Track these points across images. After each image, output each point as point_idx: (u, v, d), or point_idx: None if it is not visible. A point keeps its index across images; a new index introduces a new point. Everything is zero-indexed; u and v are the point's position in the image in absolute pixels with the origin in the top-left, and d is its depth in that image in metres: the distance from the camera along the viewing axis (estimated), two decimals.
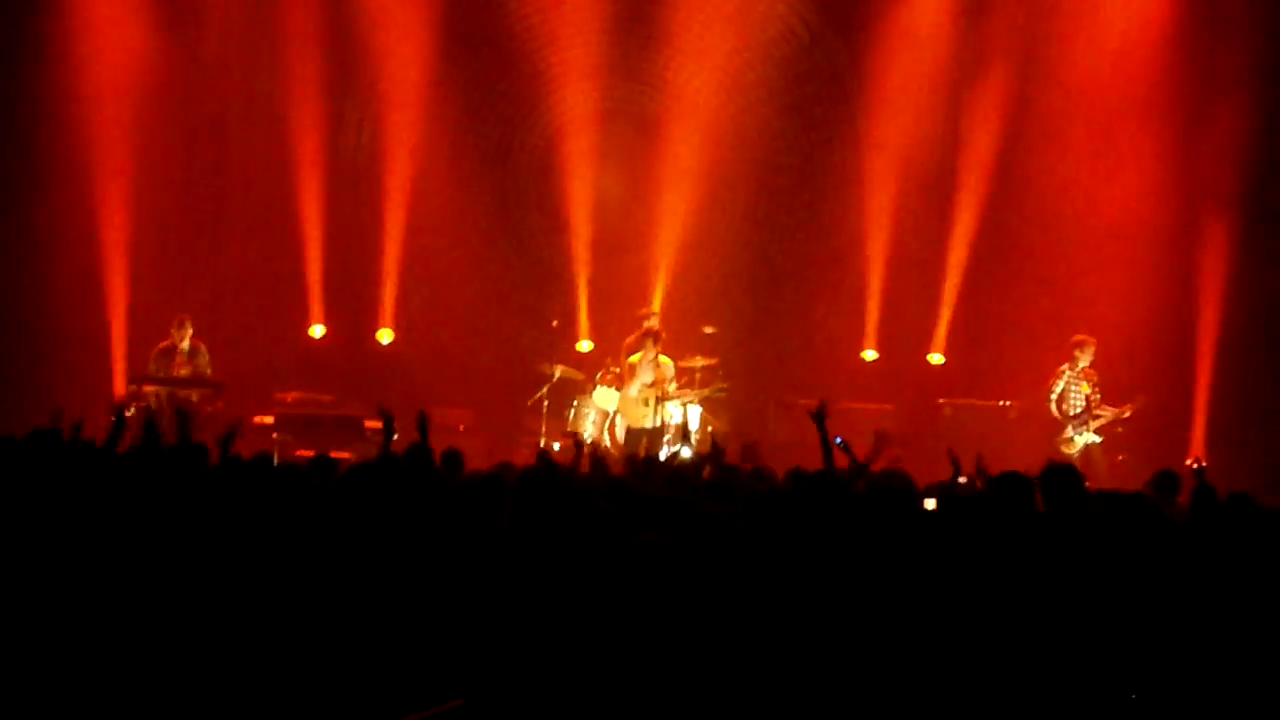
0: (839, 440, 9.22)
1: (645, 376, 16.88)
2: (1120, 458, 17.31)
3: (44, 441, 7.70)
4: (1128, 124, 19.10)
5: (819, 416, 9.17)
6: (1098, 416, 16.78)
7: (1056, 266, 19.36)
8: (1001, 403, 18.85)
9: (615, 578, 6.21)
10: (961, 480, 9.24)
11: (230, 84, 20.00)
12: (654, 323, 17.24)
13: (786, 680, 5.59)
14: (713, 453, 10.14)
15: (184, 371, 17.15)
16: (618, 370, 17.52)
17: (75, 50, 18.69)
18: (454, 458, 9.72)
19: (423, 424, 9.25)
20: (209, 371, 17.20)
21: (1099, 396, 16.89)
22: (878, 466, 8.98)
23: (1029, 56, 19.67)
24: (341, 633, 5.95)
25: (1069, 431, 16.85)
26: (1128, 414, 16.80)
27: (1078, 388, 16.92)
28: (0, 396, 16.90)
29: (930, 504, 7.64)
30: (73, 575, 6.10)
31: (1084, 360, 16.93)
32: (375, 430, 16.97)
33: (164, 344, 17.27)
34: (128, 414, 15.64)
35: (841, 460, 8.97)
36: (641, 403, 16.89)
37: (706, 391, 17.62)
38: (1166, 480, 9.73)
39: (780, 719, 5.51)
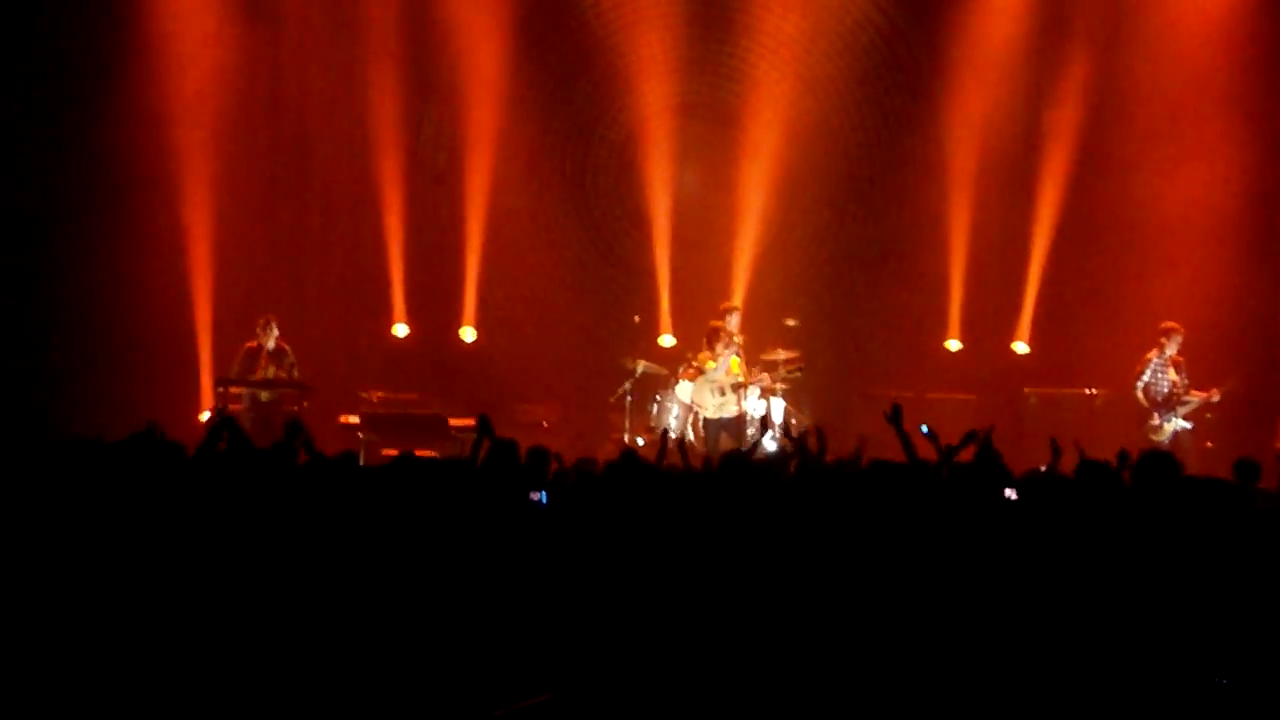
0: (924, 429, 9.18)
1: (719, 367, 16.88)
2: (1209, 444, 17.15)
3: (139, 445, 7.75)
4: (1213, 109, 18.88)
5: (894, 418, 9.14)
6: (1186, 402, 16.64)
7: (1142, 253, 19.16)
8: (1088, 391, 18.70)
9: (701, 571, 6.22)
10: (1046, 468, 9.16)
11: (312, 87, 20.10)
12: (729, 319, 17.20)
13: (873, 666, 5.59)
14: (797, 444, 10.10)
15: (269, 373, 17.29)
16: (698, 365, 17.51)
17: (160, 59, 18.91)
18: (541, 455, 9.70)
19: (486, 425, 9.23)
20: (295, 373, 17.32)
21: (1187, 383, 16.76)
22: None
23: (1110, 41, 19.48)
24: (430, 627, 5.99)
25: (1157, 419, 16.72)
26: (1216, 398, 16.67)
27: (1165, 375, 16.79)
28: (90, 400, 17.08)
29: (1010, 494, 7.58)
30: (164, 575, 6.17)
31: (1171, 348, 16.79)
32: (460, 429, 17.06)
33: (249, 345, 17.41)
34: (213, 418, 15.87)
35: (929, 451, 8.92)
36: (716, 392, 16.87)
37: (783, 373, 17.55)
38: (1247, 466, 9.66)
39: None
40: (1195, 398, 16.66)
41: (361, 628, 5.95)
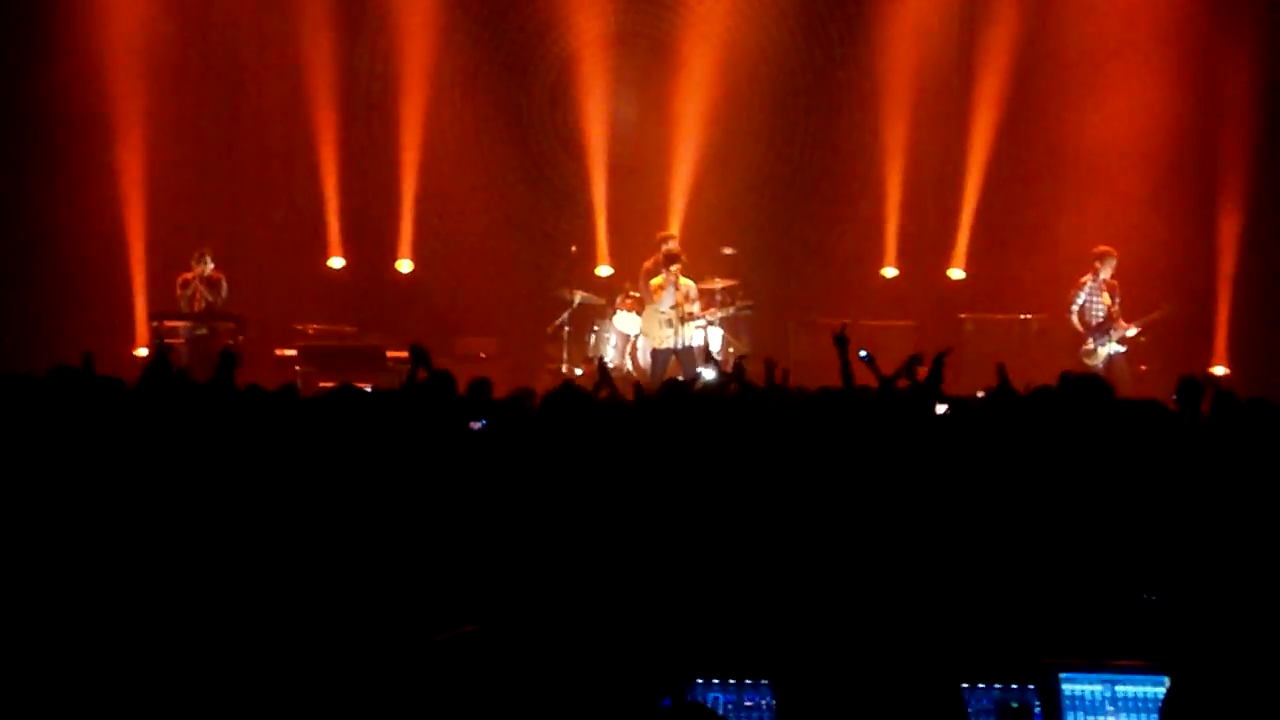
0: (863, 354, 9.24)
1: (667, 298, 16.84)
2: (1143, 367, 17.34)
3: (66, 379, 7.68)
4: (1146, 39, 18.94)
5: (841, 340, 9.17)
6: (1128, 329, 16.80)
7: (1075, 180, 19.26)
8: (1023, 316, 18.85)
9: (638, 499, 6.25)
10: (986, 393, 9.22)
11: (242, 18, 19.89)
12: (673, 246, 17.15)
13: (804, 583, 5.64)
14: (735, 372, 10.15)
15: (204, 303, 17.25)
16: (637, 294, 17.51)
17: None
18: (482, 385, 9.71)
19: (420, 355, 9.24)
20: (223, 297, 17.35)
21: (1119, 308, 16.91)
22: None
23: None
24: (363, 557, 6.00)
25: (1091, 343, 16.87)
26: (1157, 316, 16.85)
27: (1099, 299, 16.93)
28: (24, 336, 16.96)
29: (942, 408, 7.66)
30: (93, 514, 6.14)
31: (1105, 272, 16.93)
32: (397, 360, 17.06)
33: (184, 276, 17.37)
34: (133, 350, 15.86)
35: (867, 376, 8.98)
36: (665, 323, 16.87)
37: (731, 309, 17.63)
38: (1190, 386, 9.75)
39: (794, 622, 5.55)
40: (1139, 322, 16.84)
41: (299, 558, 5.95)
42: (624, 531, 6.05)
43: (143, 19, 18.94)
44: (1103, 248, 17.04)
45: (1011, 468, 6.43)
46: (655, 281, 16.96)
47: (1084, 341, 16.92)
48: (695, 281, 17.29)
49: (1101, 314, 16.89)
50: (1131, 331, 16.88)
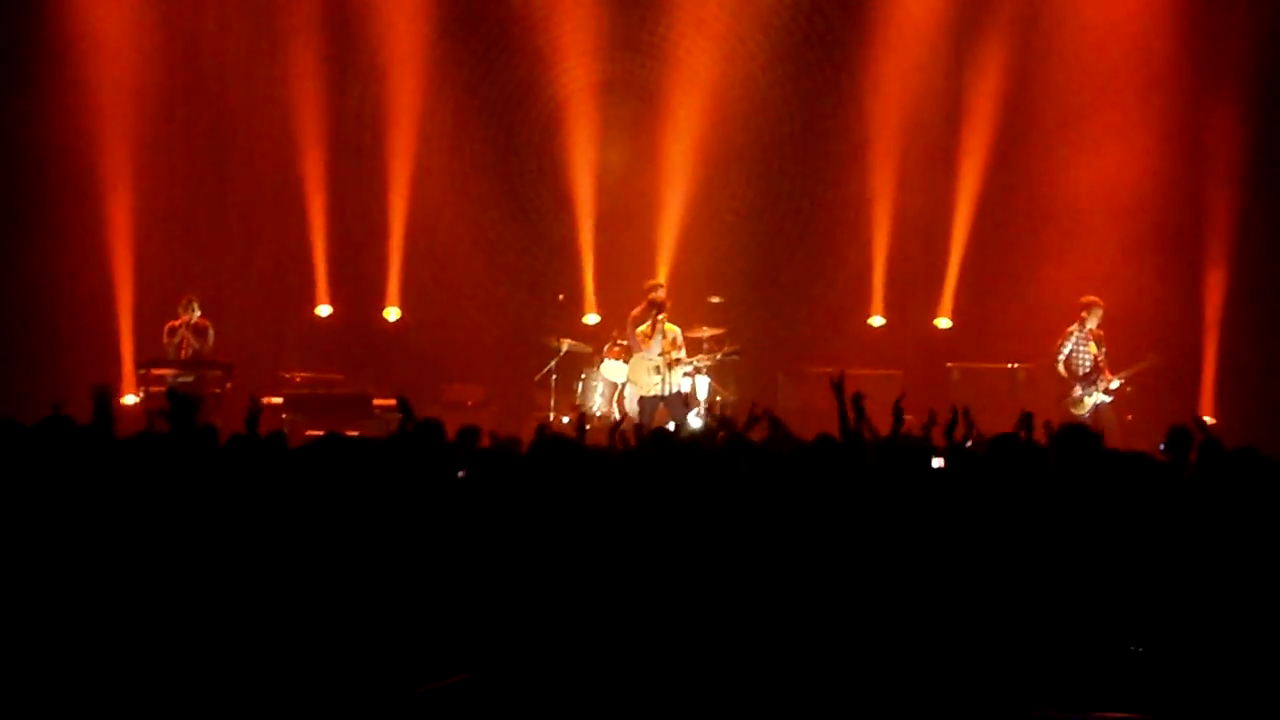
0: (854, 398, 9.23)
1: (655, 346, 16.84)
2: (1129, 417, 17.36)
3: (50, 428, 7.65)
4: (1133, 92, 19.05)
5: (839, 386, 9.15)
6: (1113, 379, 16.81)
7: (1063, 229, 19.32)
8: (1010, 365, 18.87)
9: (624, 549, 6.23)
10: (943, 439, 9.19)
11: (230, 64, 19.94)
12: (659, 293, 17.15)
13: (800, 637, 5.63)
14: (722, 420, 10.15)
15: (190, 350, 17.24)
16: (624, 343, 17.50)
17: (78, 44, 18.77)
18: (471, 434, 9.71)
19: (405, 407, 9.24)
20: (210, 345, 17.35)
21: (1106, 357, 16.94)
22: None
23: (1032, 20, 19.60)
24: (355, 608, 5.98)
25: (1078, 391, 16.89)
26: (1144, 366, 16.89)
27: (1085, 348, 16.95)
28: (10, 383, 16.94)
29: (938, 463, 7.64)
30: (77, 562, 6.12)
31: (1092, 321, 16.95)
32: (384, 409, 17.05)
33: (171, 323, 17.38)
34: (120, 398, 15.81)
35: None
36: (653, 371, 16.85)
37: (719, 355, 17.63)
38: (1180, 436, 9.73)
39: (791, 673, 5.54)
40: (1125, 372, 16.87)
41: (286, 607, 5.93)
42: (612, 580, 6.04)
43: (130, 65, 19.00)
44: (1089, 297, 17.07)
45: (1001, 517, 6.42)
46: (642, 329, 16.96)
47: (1070, 391, 16.94)
48: (683, 329, 17.29)
49: (1088, 363, 16.91)
50: (1117, 382, 16.90)
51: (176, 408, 8.24)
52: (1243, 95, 18.62)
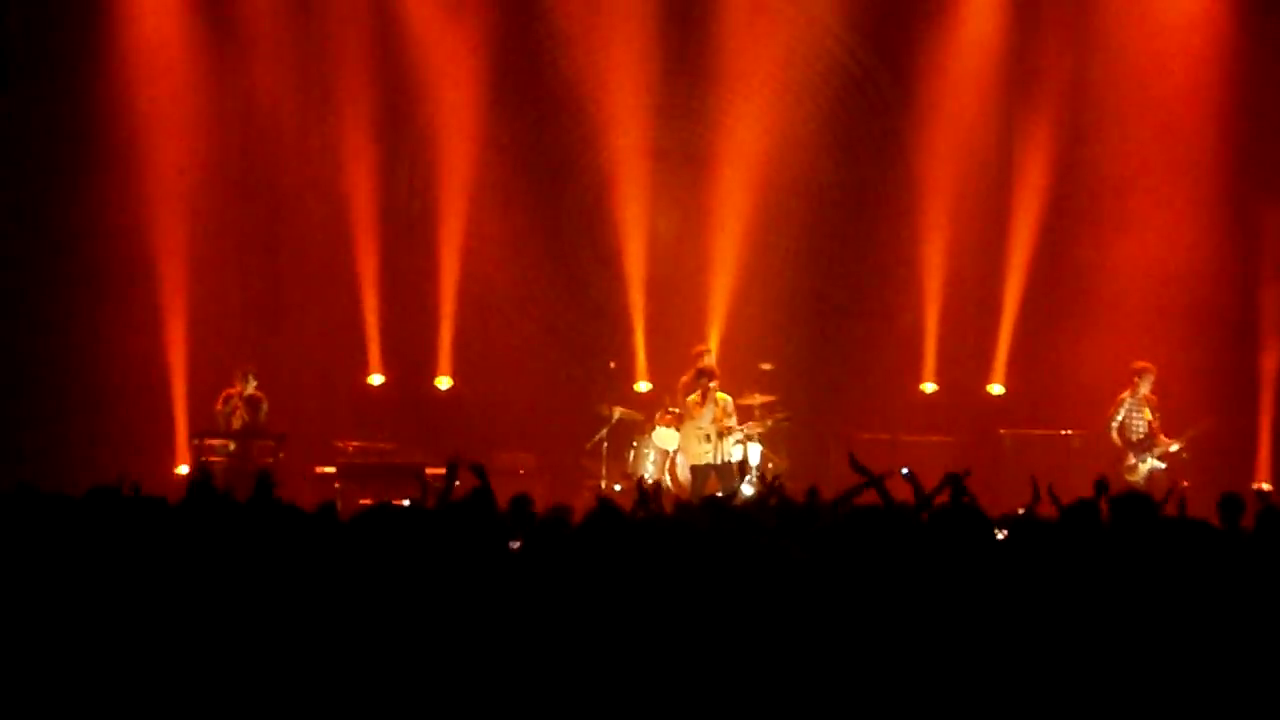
0: (905, 471, 9.18)
1: (706, 414, 16.83)
2: (1184, 484, 17.20)
3: (103, 499, 7.68)
4: (1185, 164, 19.08)
5: (856, 466, 9.15)
6: (1172, 444, 16.69)
7: (1114, 295, 19.24)
8: (1063, 432, 18.73)
9: (681, 621, 6.19)
10: (1025, 509, 9.15)
11: (284, 134, 20.11)
12: (707, 361, 17.16)
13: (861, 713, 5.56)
14: (771, 488, 10.10)
15: (241, 422, 17.33)
16: (676, 410, 17.50)
17: (132, 111, 19.06)
18: (522, 501, 9.69)
19: (454, 471, 9.29)
20: (263, 417, 17.42)
21: (1159, 423, 16.83)
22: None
23: (1080, 90, 19.61)
24: (405, 679, 5.95)
25: (1132, 458, 16.77)
26: (1199, 431, 16.75)
27: (1139, 414, 16.85)
28: (64, 455, 17.04)
29: (1001, 535, 7.58)
30: (130, 634, 6.11)
31: (1145, 387, 16.87)
32: (437, 477, 17.05)
33: (226, 392, 17.50)
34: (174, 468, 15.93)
35: (907, 493, 8.92)
36: (704, 439, 16.83)
37: (769, 421, 17.60)
38: (1232, 503, 9.66)
39: None
40: (1180, 439, 16.74)
41: (337, 680, 5.91)
42: (663, 652, 5.99)
43: (184, 137, 19.23)
44: (1141, 363, 16.99)
45: (1073, 591, 6.35)
46: (692, 397, 16.96)
47: (1125, 457, 16.82)
48: (734, 397, 17.27)
49: (1143, 430, 16.81)
50: (1176, 445, 16.77)
51: (260, 485, 8.35)
52: None
